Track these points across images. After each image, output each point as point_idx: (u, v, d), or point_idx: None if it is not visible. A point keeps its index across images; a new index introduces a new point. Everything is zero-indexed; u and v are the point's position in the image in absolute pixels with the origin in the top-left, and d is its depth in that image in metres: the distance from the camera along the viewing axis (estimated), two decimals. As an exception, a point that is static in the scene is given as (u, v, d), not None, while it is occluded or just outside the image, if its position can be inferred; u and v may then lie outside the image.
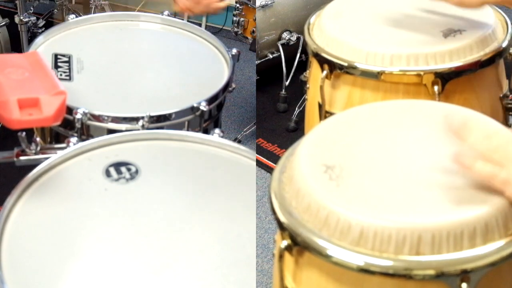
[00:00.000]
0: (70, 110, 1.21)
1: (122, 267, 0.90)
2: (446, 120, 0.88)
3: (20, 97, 1.00)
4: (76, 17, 1.56)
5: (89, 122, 1.24)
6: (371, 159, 0.91)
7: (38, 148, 1.15)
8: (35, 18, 2.38)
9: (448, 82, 1.19)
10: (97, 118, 1.24)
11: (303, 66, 1.53)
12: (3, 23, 2.21)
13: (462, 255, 0.78)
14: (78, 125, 1.22)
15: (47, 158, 1.08)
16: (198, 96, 1.30)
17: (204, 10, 1.60)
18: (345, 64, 1.25)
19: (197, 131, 1.27)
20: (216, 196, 1.05)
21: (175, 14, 1.66)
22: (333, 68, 1.27)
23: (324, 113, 1.32)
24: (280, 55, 2.50)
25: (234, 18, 2.59)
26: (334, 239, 0.82)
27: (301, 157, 0.93)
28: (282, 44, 2.52)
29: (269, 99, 2.62)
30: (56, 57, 1.41)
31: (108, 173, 1.07)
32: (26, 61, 1.12)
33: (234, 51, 1.47)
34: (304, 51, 2.48)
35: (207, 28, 3.17)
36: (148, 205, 1.02)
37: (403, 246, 0.79)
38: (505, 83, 1.34)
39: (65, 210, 0.99)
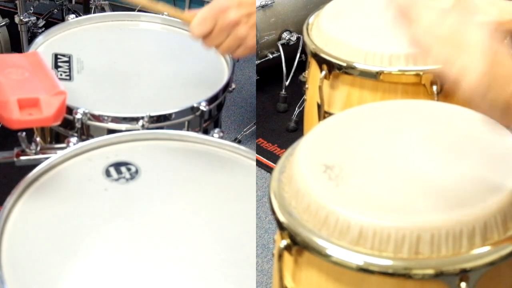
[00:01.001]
0: (70, 110, 1.21)
1: (122, 267, 0.90)
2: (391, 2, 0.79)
3: (20, 97, 1.00)
4: (76, 17, 1.56)
5: (89, 122, 1.24)
6: (370, 159, 0.91)
7: (38, 148, 1.15)
8: (35, 18, 2.38)
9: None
10: (97, 118, 1.24)
11: (303, 66, 1.53)
12: (3, 23, 2.21)
13: (461, 255, 0.79)
14: (78, 125, 1.22)
15: (47, 158, 1.08)
16: (198, 96, 1.30)
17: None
18: (344, 64, 1.25)
19: (197, 131, 1.27)
20: (216, 196, 1.05)
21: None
22: (332, 68, 1.27)
23: (323, 113, 1.32)
24: (280, 55, 2.50)
25: (234, 18, 2.59)
26: (333, 239, 0.82)
27: (300, 157, 0.93)
28: (282, 44, 2.53)
29: (269, 99, 2.62)
30: (56, 57, 1.41)
31: (108, 173, 1.07)
32: (26, 61, 1.12)
33: (234, 51, 1.47)
34: (304, 51, 2.48)
35: (207, 28, 3.16)
36: (148, 205, 1.02)
37: (402, 246, 0.79)
38: (504, 83, 1.34)
39: (65, 210, 0.99)
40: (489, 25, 0.74)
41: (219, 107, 1.38)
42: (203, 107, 1.27)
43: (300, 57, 2.52)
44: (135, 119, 1.23)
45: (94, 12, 2.64)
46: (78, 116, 1.22)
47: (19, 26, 2.22)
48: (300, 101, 2.42)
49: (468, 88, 0.73)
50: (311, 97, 1.39)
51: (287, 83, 2.50)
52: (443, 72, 0.75)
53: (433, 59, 0.75)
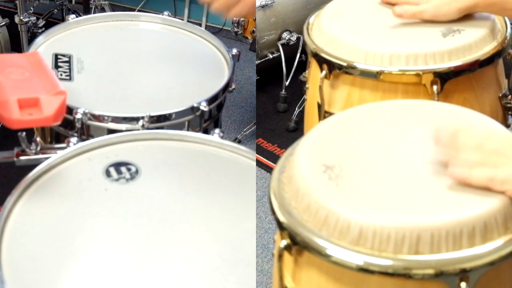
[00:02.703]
0: (70, 110, 1.21)
1: (122, 267, 0.90)
2: (435, 135, 0.88)
3: (20, 97, 1.00)
4: (76, 17, 1.56)
5: (89, 122, 1.24)
6: (371, 159, 0.91)
7: (38, 148, 1.15)
8: (35, 18, 2.38)
9: (447, 82, 1.19)
10: (97, 118, 1.24)
11: (303, 66, 1.53)
12: (3, 23, 2.21)
13: (461, 254, 0.79)
14: (78, 125, 1.23)
15: (47, 158, 1.08)
16: (198, 96, 1.30)
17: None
18: (344, 64, 1.25)
19: (197, 131, 1.27)
20: (216, 196, 1.05)
21: (175, 14, 1.66)
22: (332, 68, 1.27)
23: (323, 113, 1.32)
24: (280, 55, 2.50)
25: (234, 18, 2.59)
26: (333, 239, 0.82)
27: (300, 157, 0.93)
28: (282, 44, 2.53)
29: (269, 99, 2.62)
30: (56, 57, 1.41)
31: (108, 173, 1.07)
32: (26, 61, 1.12)
33: (234, 51, 1.47)
34: (304, 51, 2.48)
35: (207, 28, 3.18)
36: (148, 205, 1.02)
37: (402, 246, 0.79)
38: (504, 83, 1.34)
39: (65, 210, 0.99)
40: None
41: (219, 107, 1.39)
42: (203, 107, 1.27)
43: (300, 57, 2.52)
44: (135, 119, 1.23)
45: (94, 12, 2.64)
46: (78, 116, 1.22)
47: (19, 26, 2.22)
48: (300, 101, 2.42)
49: None
50: (311, 97, 1.39)
51: (287, 83, 2.50)
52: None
53: (476, 180, 0.82)
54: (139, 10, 3.18)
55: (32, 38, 2.17)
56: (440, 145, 0.87)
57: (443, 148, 0.87)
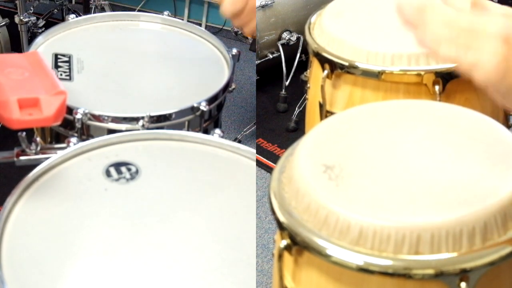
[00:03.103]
0: (70, 110, 1.21)
1: (122, 267, 0.90)
2: (397, 9, 0.80)
3: (20, 97, 1.00)
4: (76, 17, 1.56)
5: (89, 122, 1.24)
6: (371, 159, 0.91)
7: (38, 148, 1.15)
8: (35, 18, 2.38)
9: (449, 82, 1.19)
10: (97, 118, 1.24)
11: (303, 66, 1.53)
12: (3, 23, 2.21)
13: (461, 255, 0.79)
14: (78, 125, 1.22)
15: (47, 158, 1.08)
16: (198, 96, 1.30)
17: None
18: (346, 63, 1.25)
19: (197, 131, 1.27)
20: (216, 196, 1.05)
21: (175, 14, 1.66)
22: (334, 68, 1.27)
23: (324, 113, 1.32)
24: (280, 55, 2.50)
25: (235, 18, 2.59)
26: (333, 239, 0.82)
27: (300, 157, 0.93)
28: (282, 44, 2.53)
29: (269, 99, 2.62)
30: (56, 57, 1.41)
31: (108, 173, 1.07)
32: (26, 61, 1.12)
33: (234, 51, 1.47)
34: (304, 51, 2.48)
35: (207, 28, 3.17)
36: (148, 205, 1.02)
37: (402, 246, 0.79)
38: (505, 83, 1.33)
39: (65, 210, 0.99)
40: (505, 18, 0.74)
41: (219, 107, 1.38)
42: (203, 107, 1.27)
43: (300, 57, 2.52)
44: (135, 119, 1.23)
45: (94, 12, 2.64)
46: (78, 116, 1.22)
47: (19, 26, 2.22)
48: (300, 101, 2.42)
49: (482, 78, 0.74)
50: (312, 97, 1.38)
51: (287, 83, 2.50)
52: (456, 63, 0.76)
53: (444, 54, 0.76)
54: (139, 10, 3.18)
55: (32, 38, 2.17)
56: (404, 19, 0.80)
57: (407, 22, 0.79)
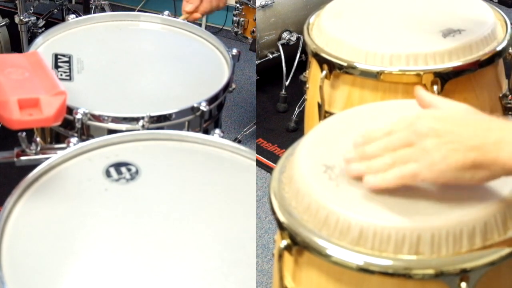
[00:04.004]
0: (70, 110, 1.21)
1: (122, 267, 0.90)
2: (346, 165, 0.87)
3: (20, 97, 1.00)
4: (76, 17, 1.56)
5: (89, 122, 1.24)
6: (371, 159, 0.91)
7: (38, 148, 1.15)
8: (35, 18, 2.38)
9: (447, 82, 1.19)
10: (97, 118, 1.24)
11: (303, 66, 1.53)
12: (3, 23, 2.21)
13: (461, 255, 0.79)
14: (78, 125, 1.23)
15: (47, 158, 1.08)
16: (198, 96, 1.30)
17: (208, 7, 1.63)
18: (345, 64, 1.25)
19: (197, 131, 1.27)
20: (216, 196, 1.05)
21: (175, 14, 1.66)
22: (333, 68, 1.27)
23: (323, 113, 1.32)
24: (280, 55, 2.50)
25: (234, 18, 2.59)
26: (333, 239, 0.82)
27: (300, 157, 0.93)
28: (282, 44, 2.52)
29: (269, 99, 2.62)
30: (56, 57, 1.41)
31: (108, 173, 1.07)
32: (26, 61, 1.12)
33: (234, 51, 1.47)
34: (304, 51, 2.48)
35: (207, 28, 3.17)
36: (148, 205, 1.02)
37: (403, 246, 0.79)
38: (504, 83, 1.34)
39: (65, 210, 0.99)
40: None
41: (219, 107, 1.39)
42: (203, 107, 1.27)
43: (300, 57, 2.52)
44: (135, 119, 1.23)
45: (94, 12, 2.64)
46: (78, 116, 1.22)
47: (19, 26, 2.22)
48: (300, 101, 2.42)
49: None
50: (311, 97, 1.39)
51: (287, 83, 2.50)
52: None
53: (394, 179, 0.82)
54: (139, 10, 3.18)
55: (32, 38, 2.17)
56: (352, 169, 0.86)
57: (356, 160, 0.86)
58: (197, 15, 1.66)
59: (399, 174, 0.80)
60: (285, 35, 2.54)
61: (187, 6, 1.65)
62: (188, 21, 1.62)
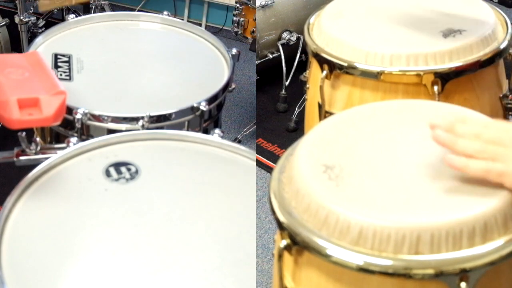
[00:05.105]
0: (70, 110, 1.21)
1: (122, 267, 0.90)
2: (432, 130, 0.87)
3: (20, 97, 1.00)
4: (76, 17, 1.56)
5: (89, 122, 1.24)
6: (371, 159, 0.91)
7: (38, 148, 1.15)
8: (35, 18, 2.38)
9: (448, 82, 1.19)
10: (97, 118, 1.24)
11: (303, 66, 1.53)
12: (3, 23, 2.21)
13: (461, 254, 0.79)
14: (78, 125, 1.23)
15: (47, 158, 1.08)
16: (198, 96, 1.30)
17: None
18: (345, 64, 1.25)
19: (197, 131, 1.27)
20: (216, 196, 1.05)
21: (175, 14, 1.66)
22: (333, 68, 1.27)
23: (324, 113, 1.32)
24: (280, 55, 2.50)
25: (234, 18, 2.59)
26: (333, 239, 0.82)
27: (300, 157, 0.93)
28: (282, 44, 2.52)
29: (269, 99, 2.62)
30: (56, 57, 1.41)
31: (108, 173, 1.07)
32: (26, 61, 1.12)
33: (234, 51, 1.47)
34: (304, 51, 2.48)
35: (207, 28, 3.18)
36: (148, 205, 1.02)
37: (402, 246, 0.79)
38: (505, 83, 1.34)
39: (65, 210, 0.99)
40: None
41: (219, 107, 1.39)
42: (203, 107, 1.27)
43: (300, 57, 2.52)
44: (135, 119, 1.23)
45: (94, 12, 2.64)
46: (78, 116, 1.22)
47: (19, 26, 2.22)
48: (300, 101, 2.42)
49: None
50: (312, 97, 1.39)
51: (287, 83, 2.50)
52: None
53: (473, 170, 0.82)
54: (139, 10, 3.18)
55: (32, 38, 2.17)
56: (438, 134, 0.86)
57: (440, 143, 0.86)
58: None
59: (486, 167, 0.82)
60: (285, 35, 2.53)
61: None
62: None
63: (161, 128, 1.24)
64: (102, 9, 2.66)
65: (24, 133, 1.11)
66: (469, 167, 0.82)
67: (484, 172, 0.82)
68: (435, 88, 1.19)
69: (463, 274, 0.78)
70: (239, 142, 2.34)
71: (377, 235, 0.79)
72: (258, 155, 2.28)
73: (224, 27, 3.22)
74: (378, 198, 0.83)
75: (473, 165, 0.82)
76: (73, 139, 1.14)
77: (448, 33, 1.24)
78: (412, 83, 1.20)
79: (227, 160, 1.15)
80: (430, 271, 0.78)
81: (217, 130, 1.19)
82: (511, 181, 0.81)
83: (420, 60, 1.19)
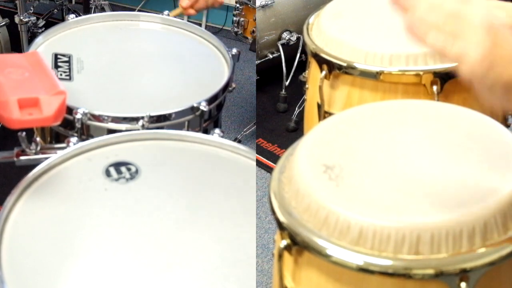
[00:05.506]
0: (70, 110, 1.21)
1: (122, 267, 0.90)
2: None
3: (20, 97, 1.00)
4: (76, 17, 1.56)
5: (89, 122, 1.24)
6: (371, 159, 0.91)
7: (38, 148, 1.15)
8: (35, 18, 2.38)
9: (447, 82, 1.19)
10: (97, 118, 1.24)
11: (303, 66, 1.53)
12: (3, 23, 2.21)
13: (461, 255, 0.79)
14: (78, 125, 1.22)
15: (47, 158, 1.08)
16: (198, 96, 1.30)
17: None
18: (344, 64, 1.25)
19: (197, 131, 1.27)
20: (216, 196, 1.05)
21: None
22: (332, 68, 1.27)
23: (323, 113, 1.32)
24: (280, 55, 2.50)
25: (234, 18, 2.59)
26: (333, 239, 0.82)
27: (300, 157, 0.93)
28: (282, 44, 2.53)
29: (269, 99, 2.62)
30: (56, 57, 1.41)
31: (108, 173, 1.07)
32: (26, 61, 1.12)
33: (234, 51, 1.47)
34: (304, 51, 2.48)
35: (207, 28, 3.17)
36: (148, 205, 1.02)
37: (402, 246, 0.79)
38: (504, 83, 1.34)
39: (65, 210, 0.99)
40: (487, 9, 0.75)
41: (219, 107, 1.38)
42: (203, 107, 1.27)
43: (300, 57, 2.52)
44: (135, 119, 1.23)
45: (94, 12, 2.64)
46: (78, 116, 1.22)
47: (19, 26, 2.22)
48: (300, 101, 2.42)
49: (467, 70, 0.74)
50: (311, 97, 1.39)
51: (287, 83, 2.50)
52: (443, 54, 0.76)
53: (431, 43, 0.77)
54: (139, 10, 3.18)
55: (32, 38, 2.17)
56: (396, 2, 0.81)
57: (398, 5, 0.81)
58: (191, 11, 1.67)
59: (445, 43, 0.76)
60: (285, 35, 2.54)
61: (183, 2, 1.66)
62: (177, 16, 1.64)
63: (161, 128, 1.24)
64: (102, 9, 2.66)
65: (24, 133, 1.11)
66: (428, 38, 0.77)
67: (442, 48, 0.76)
68: (435, 88, 1.19)
69: (463, 274, 0.78)
70: (239, 142, 2.33)
71: (377, 235, 0.80)
72: (258, 155, 2.28)
73: (224, 27, 3.22)
74: (378, 198, 0.83)
75: (431, 37, 0.76)
76: (73, 139, 1.14)
77: (448, 33, 1.24)
78: (412, 83, 1.20)
79: (227, 160, 1.15)
80: (430, 271, 0.78)
81: (217, 130, 1.19)
82: (469, 61, 0.74)
83: (420, 60, 1.20)
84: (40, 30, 2.48)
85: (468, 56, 0.74)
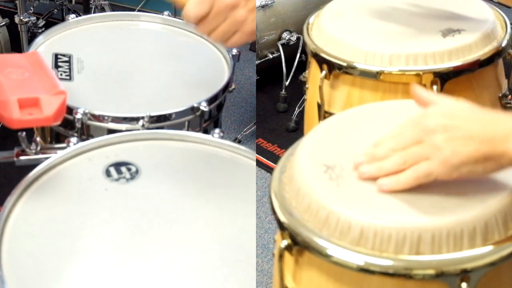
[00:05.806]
0: (70, 110, 1.21)
1: (122, 267, 0.90)
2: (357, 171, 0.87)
3: (20, 97, 1.00)
4: (76, 17, 1.56)
5: (89, 122, 1.24)
6: (371, 159, 0.91)
7: (38, 148, 1.15)
8: (35, 18, 2.38)
9: (447, 82, 1.19)
10: (97, 118, 1.24)
11: (303, 66, 1.53)
12: (3, 23, 2.21)
13: (462, 255, 0.79)
14: (78, 125, 1.22)
15: (47, 158, 1.08)
16: (198, 96, 1.30)
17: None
18: (344, 64, 1.25)
19: (197, 131, 1.27)
20: (216, 196, 1.05)
21: (175, 14, 1.66)
22: (332, 68, 1.27)
23: (323, 113, 1.32)
24: (280, 55, 2.50)
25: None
26: (334, 239, 0.82)
27: (301, 157, 0.93)
28: (282, 44, 2.52)
29: (269, 99, 2.62)
30: (56, 57, 1.41)
31: (108, 173, 1.07)
32: (26, 61, 1.12)
33: (234, 51, 1.47)
34: (304, 51, 2.47)
35: (207, 28, 3.16)
36: (148, 205, 1.02)
37: (403, 246, 0.79)
38: (504, 83, 1.34)
39: (65, 210, 0.99)
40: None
41: (219, 107, 1.38)
42: (203, 107, 1.27)
43: (300, 57, 2.52)
44: (135, 119, 1.23)
45: (94, 12, 2.64)
46: (78, 116, 1.22)
47: (19, 26, 2.22)
48: (300, 101, 2.42)
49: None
50: (311, 97, 1.39)
51: (287, 83, 2.50)
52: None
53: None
54: (139, 10, 3.18)
55: (32, 38, 2.17)
56: (363, 171, 0.86)
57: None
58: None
59: (413, 174, 0.81)
60: (285, 35, 2.53)
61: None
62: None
63: (161, 128, 1.24)
64: (102, 9, 2.66)
65: (24, 133, 1.11)
66: (400, 183, 0.82)
67: (415, 180, 0.81)
68: (435, 87, 1.19)
69: (464, 274, 0.78)
70: (239, 142, 2.33)
71: (378, 235, 0.79)
72: (258, 155, 2.28)
73: (224, 27, 3.22)
74: (379, 198, 0.83)
75: (403, 179, 0.81)
76: (73, 139, 1.14)
77: (447, 33, 1.24)
78: (412, 83, 1.20)
79: (227, 160, 1.15)
80: (431, 272, 0.78)
81: (217, 130, 1.19)
82: (441, 174, 0.79)
83: (420, 60, 1.20)
84: (40, 30, 2.48)
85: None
